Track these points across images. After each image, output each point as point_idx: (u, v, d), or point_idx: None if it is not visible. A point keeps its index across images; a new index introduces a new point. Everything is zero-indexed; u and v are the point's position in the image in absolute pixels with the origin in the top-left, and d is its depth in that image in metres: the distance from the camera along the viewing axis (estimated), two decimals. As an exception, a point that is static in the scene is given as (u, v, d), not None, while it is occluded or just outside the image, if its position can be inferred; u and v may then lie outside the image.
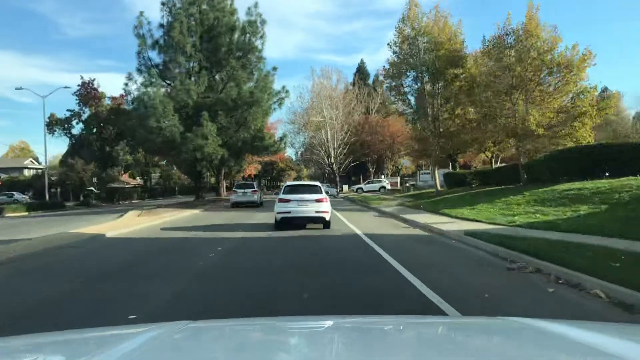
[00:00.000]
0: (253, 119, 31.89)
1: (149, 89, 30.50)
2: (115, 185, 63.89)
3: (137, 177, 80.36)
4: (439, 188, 26.27)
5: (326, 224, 13.88)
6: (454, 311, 4.86)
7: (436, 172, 26.48)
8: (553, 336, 1.65)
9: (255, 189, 30.35)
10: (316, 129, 56.15)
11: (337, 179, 53.96)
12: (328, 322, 2.20)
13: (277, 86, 34.86)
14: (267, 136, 35.92)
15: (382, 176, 55.12)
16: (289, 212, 13.79)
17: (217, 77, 34.16)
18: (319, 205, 13.78)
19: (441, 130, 25.98)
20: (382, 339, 1.77)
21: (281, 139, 36.60)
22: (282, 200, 14.00)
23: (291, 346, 1.75)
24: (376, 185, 47.85)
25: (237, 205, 28.05)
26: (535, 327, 1.78)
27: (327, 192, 42.27)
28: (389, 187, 47.86)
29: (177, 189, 68.42)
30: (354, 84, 60.56)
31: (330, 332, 1.94)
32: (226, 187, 58.43)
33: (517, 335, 1.77)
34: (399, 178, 55.28)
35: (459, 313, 4.79)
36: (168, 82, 33.29)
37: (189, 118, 32.02)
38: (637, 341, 1.61)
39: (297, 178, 78.71)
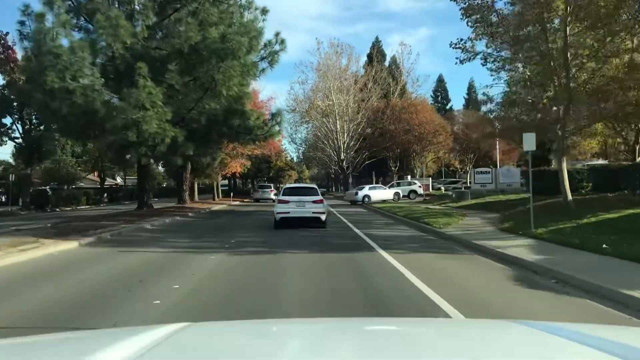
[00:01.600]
0: (226, 78, 19.15)
1: (47, 24, 17.93)
2: (86, 185, 52.51)
3: (117, 176, 68.32)
4: (569, 197, 13.56)
5: (322, 223, 15.03)
6: None
7: (564, 165, 13.64)
8: (554, 338, 1.63)
9: (273, 189, 40.24)
10: (323, 115, 43.51)
11: (350, 180, 41.27)
12: (329, 324, 2.20)
13: (268, 36, 22.38)
14: (254, 115, 23.26)
15: (408, 177, 42.40)
16: (288, 213, 14.96)
17: (172, 17, 21.54)
18: (316, 206, 15.06)
19: (579, 83, 13.06)
20: (384, 341, 1.76)
21: (274, 116, 23.72)
22: (281, 202, 15.30)
23: (294, 348, 1.70)
24: (404, 189, 35.28)
25: (257, 201, 38.50)
26: (537, 329, 1.76)
27: (363, 198, 30.94)
28: (421, 191, 35.42)
29: (152, 191, 55.83)
30: (370, 61, 47.96)
31: (331, 334, 1.92)
32: (202, 189, 45.68)
33: (518, 337, 1.75)
34: (430, 180, 42.55)
35: None
36: (94, 25, 20.72)
37: (120, 77, 19.55)
38: (638, 343, 1.57)
39: (298, 180, 72.05)
